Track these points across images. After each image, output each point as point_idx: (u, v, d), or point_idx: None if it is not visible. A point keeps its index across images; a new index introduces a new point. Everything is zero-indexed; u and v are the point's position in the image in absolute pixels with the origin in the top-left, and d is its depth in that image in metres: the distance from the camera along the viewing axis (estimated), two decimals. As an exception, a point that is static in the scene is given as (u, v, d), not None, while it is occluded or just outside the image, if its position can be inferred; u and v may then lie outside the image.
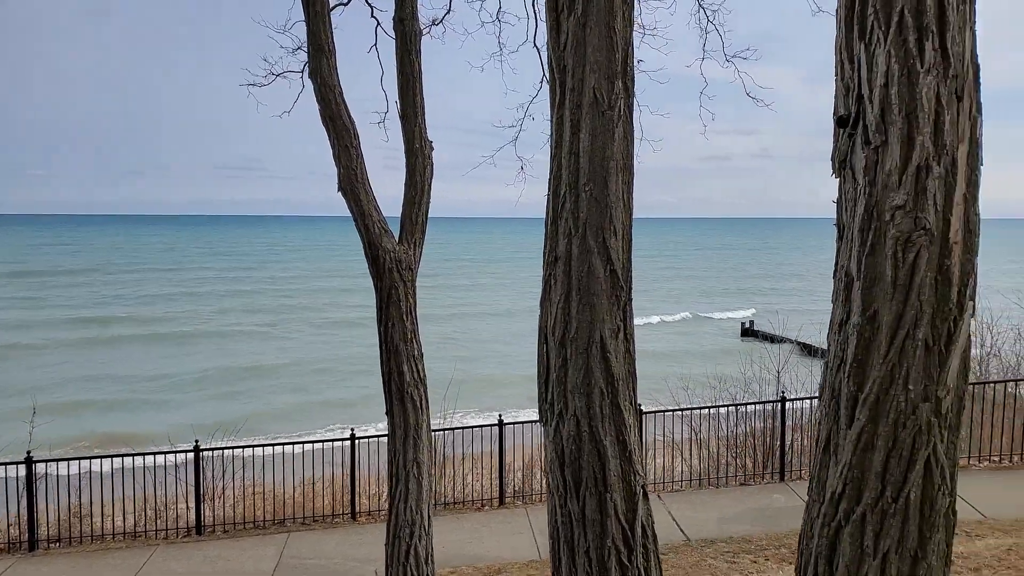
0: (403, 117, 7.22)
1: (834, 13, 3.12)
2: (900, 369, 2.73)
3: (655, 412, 11.92)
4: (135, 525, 10.28)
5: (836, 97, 3.04)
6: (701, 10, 9.31)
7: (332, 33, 6.84)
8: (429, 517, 6.63)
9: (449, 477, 11.51)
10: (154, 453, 10.62)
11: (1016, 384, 13.54)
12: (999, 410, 12.13)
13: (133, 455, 10.41)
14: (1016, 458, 11.24)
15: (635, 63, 4.26)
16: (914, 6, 2.73)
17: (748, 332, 46.46)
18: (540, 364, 4.14)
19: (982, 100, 2.88)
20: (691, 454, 12.24)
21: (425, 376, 6.77)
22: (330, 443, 10.79)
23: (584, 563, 3.85)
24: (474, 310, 58.53)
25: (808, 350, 29.71)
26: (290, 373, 35.35)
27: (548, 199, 4.26)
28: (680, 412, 12.34)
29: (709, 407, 12.79)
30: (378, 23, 8.85)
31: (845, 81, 2.96)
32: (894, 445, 2.74)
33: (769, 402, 12.64)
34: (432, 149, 7.27)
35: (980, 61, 2.88)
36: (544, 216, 4.29)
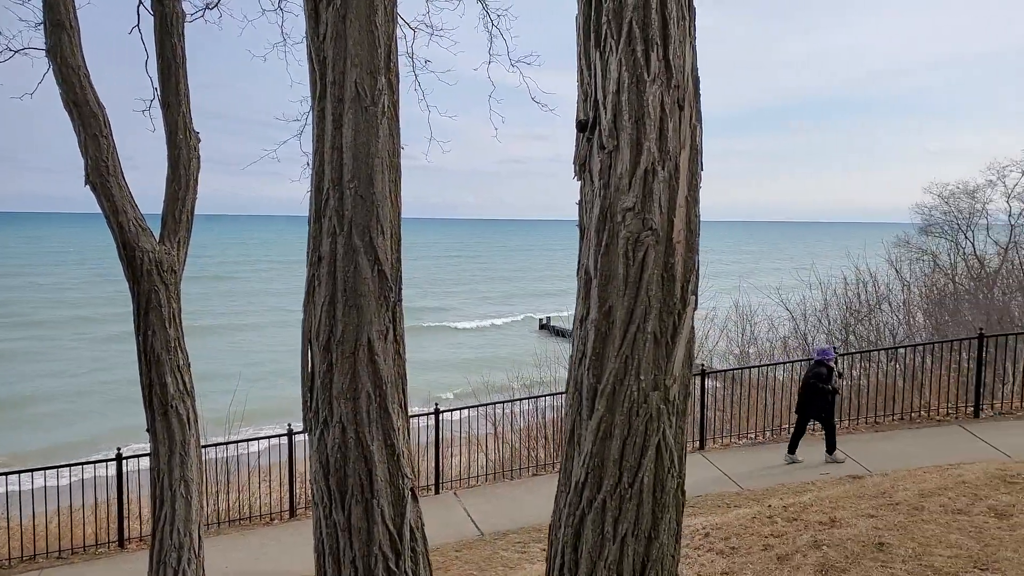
0: (165, 105, 6.65)
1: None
2: (633, 361, 2.90)
3: (453, 409, 12.02)
4: None
5: (578, 103, 3.18)
6: (486, 14, 9.49)
7: (74, 7, 6.11)
8: (200, 538, 6.14)
9: (238, 492, 10.81)
10: None
11: (773, 368, 15.34)
12: (756, 391, 13.65)
13: None
14: (769, 434, 12.66)
15: (399, 60, 4.20)
16: (641, 18, 2.90)
17: (544, 327, 48.85)
18: (304, 370, 3.95)
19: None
20: (487, 449, 12.49)
21: (193, 388, 6.26)
22: (92, 465, 9.68)
23: (350, 573, 3.72)
24: (270, 318, 55.01)
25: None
26: (56, 399, 31.12)
27: (311, 196, 4.08)
28: (478, 408, 12.55)
29: (506, 401, 13.15)
30: (140, 1, 8.10)
31: (584, 87, 3.10)
32: (629, 433, 2.91)
33: (560, 394, 13.23)
34: (199, 141, 6.76)
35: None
36: (307, 214, 4.11)
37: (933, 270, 23.06)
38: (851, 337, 17.46)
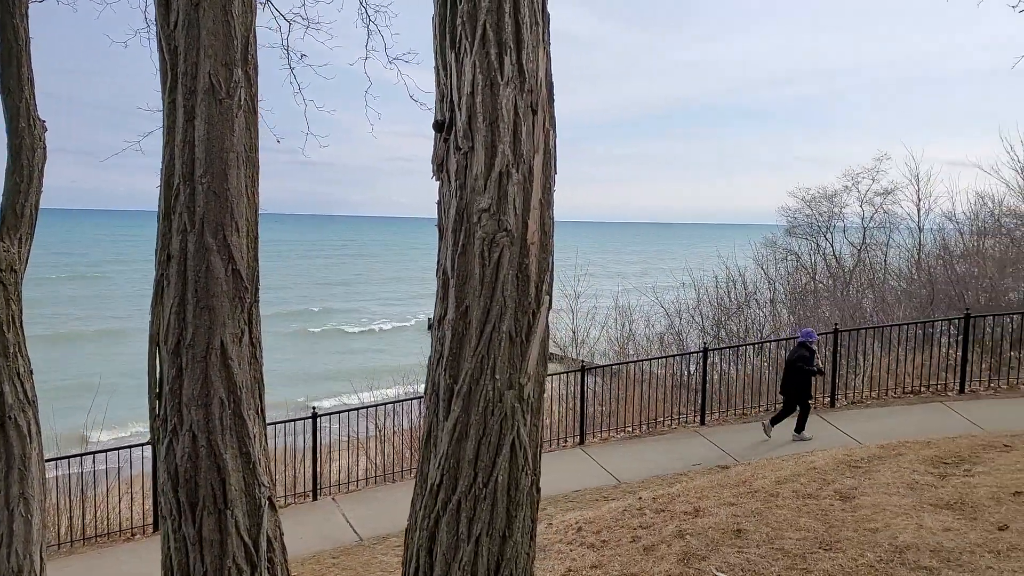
0: (5, 91, 6.11)
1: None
2: (488, 360, 2.92)
3: (332, 412, 11.75)
4: None
5: (436, 103, 3.17)
6: (364, 10, 9.32)
7: None
8: (42, 560, 5.67)
9: (94, 508, 10.09)
10: None
11: (650, 363, 15.90)
12: (634, 386, 14.11)
13: None
14: (645, 427, 13.12)
15: (257, 51, 4.04)
16: (495, 22, 2.92)
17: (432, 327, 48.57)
18: (151, 376, 3.74)
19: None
20: (370, 452, 12.28)
21: (35, 397, 5.78)
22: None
23: (201, 589, 3.55)
24: (145, 323, 51.33)
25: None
26: None
27: (160, 191, 3.87)
28: (358, 411, 12.31)
29: (386, 403, 12.97)
30: (-23, -23, 7.41)
31: (441, 88, 3.09)
32: (484, 432, 2.92)
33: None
34: (45, 129, 6.26)
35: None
36: (156, 210, 3.89)
37: (796, 269, 24.75)
38: (722, 333, 18.46)
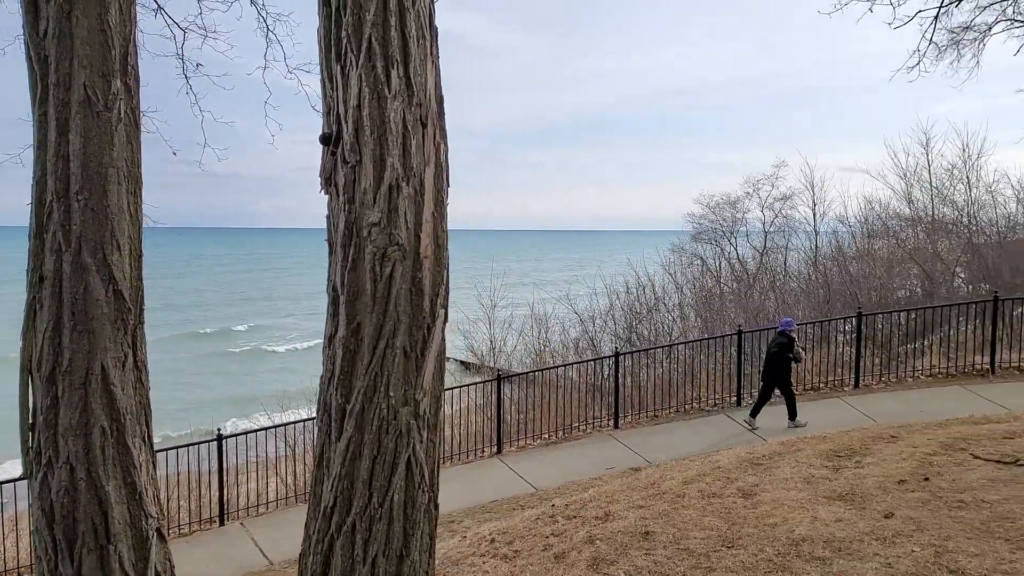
0: None
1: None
2: (382, 377, 2.87)
3: (239, 434, 11.33)
4: None
5: (323, 115, 3.10)
6: (262, 19, 9.08)
7: None
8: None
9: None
10: None
11: (565, 368, 16.10)
12: (551, 392, 14.24)
13: None
14: (561, 433, 13.24)
15: (138, 62, 3.87)
16: (380, 35, 2.89)
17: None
18: (23, 406, 3.50)
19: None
20: (281, 472, 11.90)
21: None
22: None
23: (83, 631, 3.33)
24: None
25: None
26: None
27: (32, 209, 3.64)
28: (267, 431, 11.92)
29: (297, 422, 12.61)
30: None
31: (327, 100, 3.03)
32: (379, 451, 2.87)
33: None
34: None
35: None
36: (28, 229, 3.66)
37: (703, 273, 25.69)
38: (633, 336, 18.91)
